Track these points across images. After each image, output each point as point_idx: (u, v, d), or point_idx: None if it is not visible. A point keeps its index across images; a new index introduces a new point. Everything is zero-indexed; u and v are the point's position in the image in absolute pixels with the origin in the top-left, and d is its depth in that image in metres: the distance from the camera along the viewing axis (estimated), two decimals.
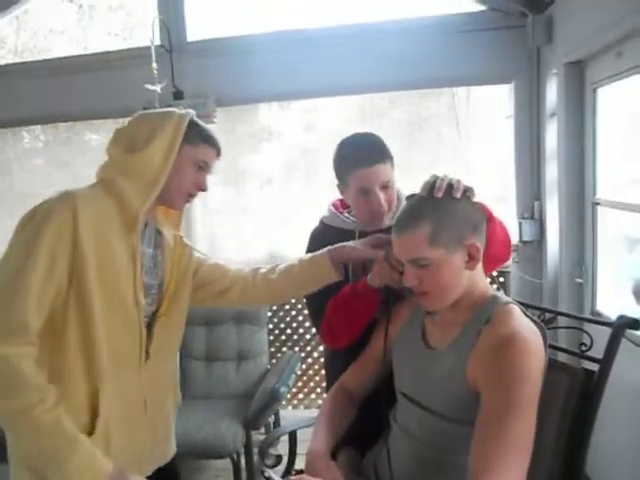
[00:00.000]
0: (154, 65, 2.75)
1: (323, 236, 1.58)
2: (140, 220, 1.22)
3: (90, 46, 3.45)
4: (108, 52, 3.22)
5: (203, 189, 1.33)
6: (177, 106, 2.87)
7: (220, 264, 1.50)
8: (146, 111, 1.32)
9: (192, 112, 1.30)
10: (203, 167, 1.31)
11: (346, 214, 1.61)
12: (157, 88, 2.77)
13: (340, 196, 1.64)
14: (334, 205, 1.65)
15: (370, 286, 1.39)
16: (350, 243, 1.42)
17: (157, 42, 2.88)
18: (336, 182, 1.57)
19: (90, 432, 1.17)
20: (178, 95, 2.96)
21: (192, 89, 2.97)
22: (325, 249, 1.43)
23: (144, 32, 3.19)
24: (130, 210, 1.21)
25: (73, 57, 3.29)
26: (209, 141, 1.30)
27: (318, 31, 2.98)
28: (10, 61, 3.56)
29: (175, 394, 1.45)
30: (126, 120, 3.20)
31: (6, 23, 3.52)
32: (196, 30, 3.13)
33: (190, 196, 1.33)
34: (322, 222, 1.65)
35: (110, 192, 1.21)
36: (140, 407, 1.29)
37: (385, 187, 1.47)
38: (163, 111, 1.30)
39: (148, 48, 2.78)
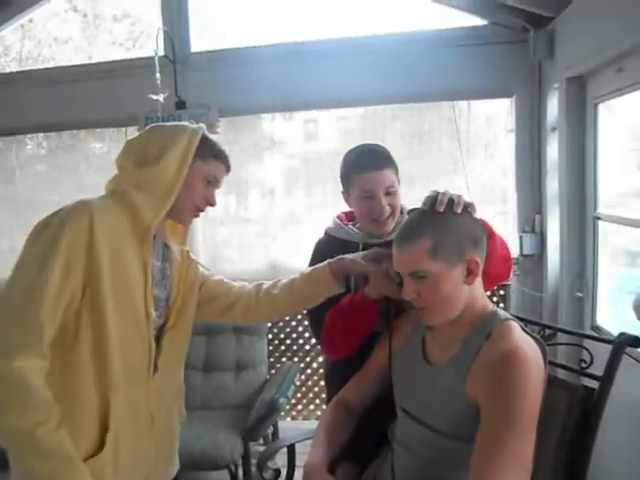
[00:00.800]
0: (157, 75, 2.77)
1: (327, 247, 1.60)
2: (152, 232, 1.23)
3: (94, 55, 3.47)
4: (112, 62, 3.23)
5: (212, 204, 1.33)
6: (180, 116, 2.93)
7: (224, 280, 1.51)
8: (158, 124, 1.34)
9: (203, 127, 1.31)
10: (213, 182, 1.32)
11: (350, 226, 1.63)
12: (160, 98, 2.78)
13: (345, 209, 1.67)
14: (339, 217, 1.68)
15: (368, 297, 1.40)
16: (350, 256, 1.42)
17: (161, 53, 2.90)
18: (341, 189, 1.59)
19: (100, 447, 1.17)
20: (181, 105, 2.98)
21: (195, 99, 2.98)
22: (325, 262, 1.44)
23: (148, 42, 3.23)
24: (142, 222, 1.21)
25: (77, 66, 3.31)
26: (220, 157, 1.31)
27: (320, 43, 3.00)
28: (15, 69, 3.58)
29: (180, 409, 1.44)
30: (129, 129, 3.21)
31: (11, 32, 3.54)
32: (200, 41, 3.15)
33: (199, 210, 1.33)
34: (327, 233, 1.67)
35: (122, 204, 1.21)
36: (147, 421, 1.28)
37: (388, 193, 1.49)
38: (175, 125, 1.32)
39: (152, 58, 2.80)
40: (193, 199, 1.29)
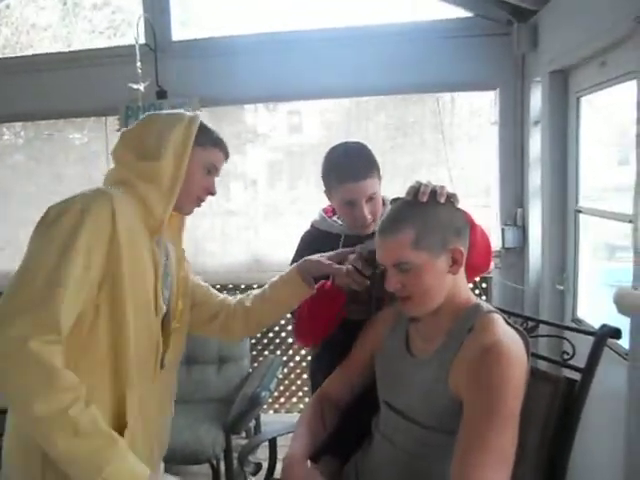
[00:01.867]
0: (138, 64, 2.72)
1: (311, 239, 1.64)
2: (164, 226, 1.21)
3: (74, 43, 3.39)
4: (92, 50, 3.17)
5: (212, 193, 1.31)
6: (161, 105, 2.88)
7: (210, 288, 1.49)
8: (154, 113, 1.31)
9: (199, 114, 1.28)
10: (212, 171, 1.30)
11: (334, 218, 1.64)
12: (141, 87, 2.74)
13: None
14: (324, 210, 1.69)
15: (336, 285, 1.42)
16: (315, 257, 1.43)
17: (142, 41, 2.85)
18: (323, 189, 1.59)
19: None
20: (162, 94, 2.93)
21: (176, 89, 2.94)
22: (294, 264, 1.44)
23: (129, 31, 3.16)
24: (154, 216, 1.19)
25: (56, 54, 3.23)
26: (219, 144, 1.30)
27: (305, 34, 2.97)
28: None
29: (172, 405, 1.43)
30: (109, 119, 3.15)
31: None
32: (181, 30, 3.10)
33: (200, 201, 1.31)
34: (312, 225, 1.68)
35: (134, 195, 1.18)
36: (153, 417, 1.26)
37: (371, 199, 1.49)
38: (172, 113, 1.29)
39: (132, 47, 2.75)
40: (194, 189, 1.27)
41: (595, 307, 2.36)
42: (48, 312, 1.02)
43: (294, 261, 1.62)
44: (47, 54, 3.26)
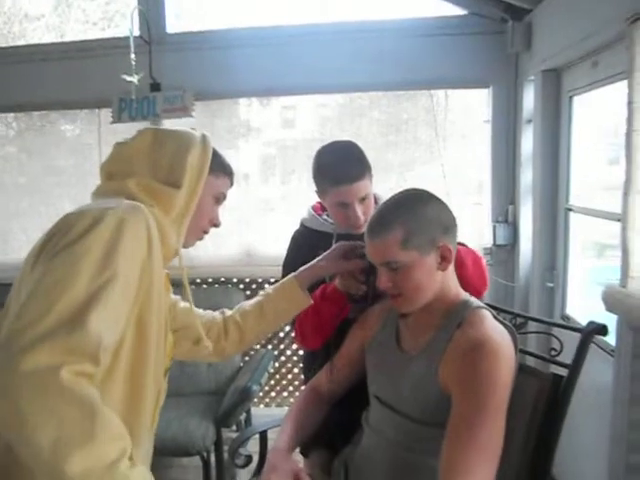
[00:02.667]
0: (132, 56, 2.70)
1: (302, 239, 1.61)
2: (179, 255, 1.11)
3: (67, 34, 3.37)
4: (85, 41, 3.14)
5: (217, 225, 1.22)
6: (154, 98, 2.87)
7: (192, 308, 1.33)
8: (155, 129, 1.18)
9: (208, 135, 1.19)
10: (220, 200, 1.21)
11: (325, 216, 1.63)
12: (134, 79, 2.72)
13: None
14: (314, 208, 1.67)
15: (339, 290, 1.41)
16: (316, 262, 1.39)
17: (136, 33, 2.83)
18: (314, 189, 1.58)
19: None
20: (155, 87, 2.92)
21: (170, 81, 2.92)
22: (291, 275, 1.41)
23: (123, 22, 3.14)
24: (169, 243, 1.07)
25: (49, 44, 3.21)
26: (230, 172, 1.22)
27: (300, 28, 2.96)
28: None
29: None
30: (103, 111, 3.11)
31: None
32: (176, 22, 3.09)
33: (204, 233, 1.21)
34: (302, 224, 1.66)
35: (153, 217, 1.06)
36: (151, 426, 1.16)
37: (363, 200, 1.48)
38: (181, 132, 1.16)
39: (126, 39, 2.73)
40: (202, 219, 1.17)
41: (583, 304, 2.39)
42: (85, 336, 0.83)
43: (286, 260, 1.63)
44: (40, 44, 3.23)
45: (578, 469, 2.06)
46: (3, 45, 3.36)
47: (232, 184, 1.24)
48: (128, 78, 2.69)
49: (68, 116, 3.31)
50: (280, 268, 1.64)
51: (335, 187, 1.46)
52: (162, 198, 1.07)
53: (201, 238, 1.22)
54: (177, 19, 3.11)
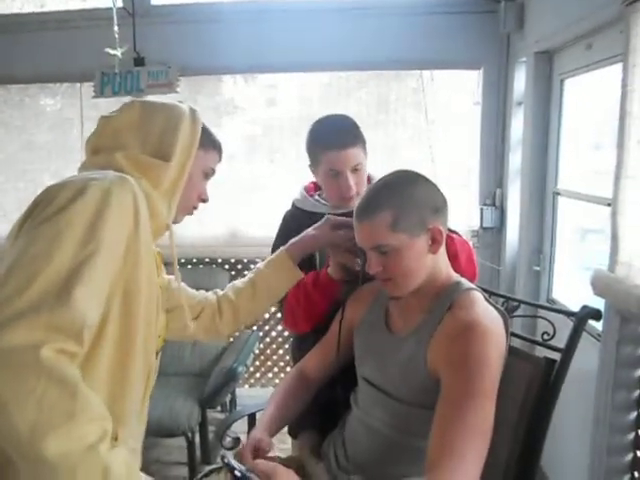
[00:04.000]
0: (115, 28, 2.62)
1: (294, 219, 1.59)
2: (170, 231, 1.10)
3: (47, 4, 3.25)
4: (66, 11, 3.04)
5: (205, 200, 1.21)
6: (138, 73, 2.79)
7: (185, 288, 1.35)
8: (143, 101, 1.15)
9: (197, 109, 1.17)
10: (209, 175, 1.21)
11: (317, 197, 1.61)
12: (118, 53, 2.64)
13: (312, 179, 1.64)
14: (306, 188, 1.65)
15: (331, 277, 1.40)
16: (307, 233, 1.38)
17: (119, 4, 2.74)
18: (308, 162, 1.56)
19: None
20: (139, 61, 2.84)
21: (154, 56, 2.85)
22: (282, 248, 1.40)
23: None
24: (159, 217, 1.05)
25: (28, 14, 3.09)
26: (219, 147, 1.21)
27: (287, 4, 2.90)
28: None
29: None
30: (85, 85, 3.01)
31: None
32: None
33: (194, 209, 1.21)
34: (294, 205, 1.65)
35: (142, 190, 1.03)
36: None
37: (356, 170, 1.47)
38: (169, 105, 1.14)
39: (110, 10, 2.64)
40: (191, 195, 1.16)
41: (568, 289, 2.41)
42: (69, 312, 0.80)
43: (277, 241, 1.60)
44: (18, 14, 3.11)
45: (560, 451, 2.09)
46: None
47: (221, 159, 1.23)
48: (111, 51, 2.61)
49: (48, 90, 3.22)
50: (266, 248, 1.61)
51: (326, 153, 1.46)
52: (151, 171, 1.05)
53: (190, 213, 1.21)
54: None
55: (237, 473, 1.01)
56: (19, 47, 2.98)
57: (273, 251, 1.57)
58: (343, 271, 1.39)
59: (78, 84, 3.08)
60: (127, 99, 3.02)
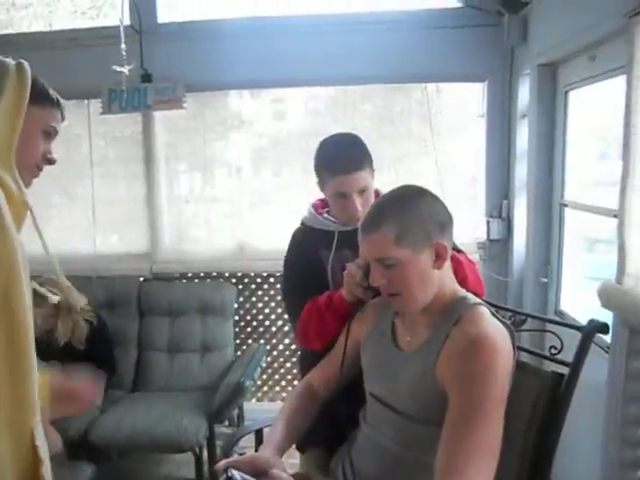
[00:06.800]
0: (123, 46, 2.65)
1: (303, 237, 1.61)
2: (30, 209, 1.00)
3: (55, 23, 3.30)
4: (75, 30, 3.09)
5: (52, 161, 1.11)
6: (145, 89, 2.82)
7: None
8: None
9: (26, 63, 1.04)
10: (52, 134, 1.09)
11: (325, 215, 1.62)
12: (125, 70, 2.68)
13: (319, 195, 1.65)
14: (314, 206, 1.65)
15: (344, 299, 1.40)
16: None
17: (126, 22, 2.78)
18: (316, 180, 1.57)
19: None
20: (146, 78, 2.88)
21: (161, 72, 2.89)
22: None
23: (112, 13, 3.09)
24: (12, 194, 0.95)
25: (37, 33, 3.15)
26: (59, 104, 1.10)
27: (292, 19, 2.93)
28: None
29: None
30: (92, 102, 3.05)
31: None
32: (167, 12, 3.04)
33: (39, 170, 1.10)
34: (303, 223, 1.65)
35: None
36: None
37: (362, 192, 1.48)
38: None
39: (117, 28, 2.68)
40: (32, 155, 1.05)
41: (576, 300, 2.39)
42: None
43: (288, 259, 1.62)
44: (27, 33, 3.17)
45: (570, 465, 2.06)
46: None
47: (63, 118, 1.13)
48: (119, 69, 2.65)
49: None
50: (273, 262, 1.63)
51: (333, 177, 1.47)
52: None
53: (36, 175, 1.10)
54: (168, 9, 3.06)
55: None
56: (29, 64, 3.02)
57: (285, 267, 1.61)
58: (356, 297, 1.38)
59: (86, 101, 3.11)
60: (134, 115, 3.05)
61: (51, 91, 1.09)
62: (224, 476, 1.05)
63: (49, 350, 2.53)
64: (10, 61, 1.01)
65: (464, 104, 3.06)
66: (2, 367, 0.92)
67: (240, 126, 3.24)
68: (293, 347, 3.24)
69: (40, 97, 1.05)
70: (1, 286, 0.90)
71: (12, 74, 0.99)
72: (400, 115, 3.06)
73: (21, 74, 1.00)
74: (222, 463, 1.11)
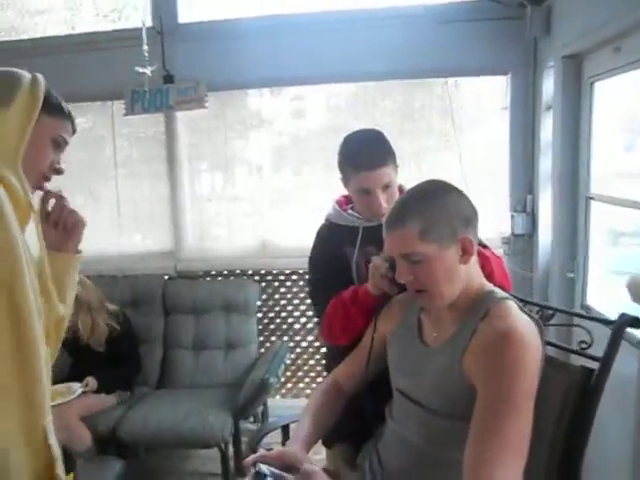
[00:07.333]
0: (145, 47, 2.69)
1: (328, 233, 1.62)
2: (34, 212, 1.02)
3: (78, 27, 3.36)
4: (97, 33, 3.14)
5: (60, 171, 1.12)
6: (167, 90, 2.86)
7: None
8: None
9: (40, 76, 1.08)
10: (61, 145, 1.11)
11: (350, 211, 1.62)
12: (147, 71, 2.71)
13: (340, 192, 1.66)
14: (338, 202, 1.66)
15: (369, 294, 1.40)
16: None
17: (148, 24, 2.82)
18: (339, 176, 1.58)
19: None
20: (169, 79, 2.91)
21: (183, 73, 2.92)
22: None
23: (134, 15, 3.13)
24: (17, 196, 0.97)
25: (60, 37, 3.20)
26: (70, 116, 1.12)
27: (311, 17, 2.93)
28: None
29: None
30: (115, 103, 3.09)
31: None
32: (187, 12, 3.06)
33: (45, 179, 1.11)
34: (327, 220, 1.66)
35: None
36: None
37: (386, 187, 1.48)
38: (8, 69, 1.06)
39: (138, 30, 2.72)
40: (41, 162, 1.06)
41: (601, 294, 2.36)
42: None
43: (313, 256, 1.63)
44: (51, 37, 3.22)
45: (600, 460, 2.03)
46: (16, 39, 3.36)
47: (74, 131, 1.15)
48: (141, 70, 2.68)
49: (80, 109, 3.30)
50: (296, 260, 1.64)
51: (357, 173, 1.47)
52: None
53: (40, 185, 1.11)
54: (188, 9, 3.08)
55: (269, 479, 1.02)
56: (52, 68, 3.05)
57: (310, 264, 1.62)
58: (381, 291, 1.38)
59: (109, 102, 3.16)
60: (157, 116, 3.07)
61: (64, 104, 1.11)
62: (253, 471, 1.07)
63: (76, 349, 2.62)
64: (26, 73, 1.06)
65: (485, 98, 3.02)
66: (12, 368, 0.95)
67: (260, 125, 3.25)
68: (316, 344, 3.26)
69: (52, 108, 1.07)
70: (5, 283, 0.92)
71: (26, 85, 1.03)
72: (421, 110, 3.04)
73: (35, 85, 1.04)
74: (250, 458, 1.12)
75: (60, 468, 1.03)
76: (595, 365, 1.14)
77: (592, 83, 2.28)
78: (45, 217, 1.15)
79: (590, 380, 1.12)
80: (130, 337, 2.80)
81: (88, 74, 3.01)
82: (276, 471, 1.05)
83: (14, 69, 1.05)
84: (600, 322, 1.19)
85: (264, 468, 1.06)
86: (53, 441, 1.02)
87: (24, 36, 3.38)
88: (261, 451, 1.21)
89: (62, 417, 2.17)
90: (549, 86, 2.59)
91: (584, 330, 1.23)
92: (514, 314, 1.16)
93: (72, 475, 1.15)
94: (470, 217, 1.20)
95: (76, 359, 2.70)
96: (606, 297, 2.28)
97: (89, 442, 2.38)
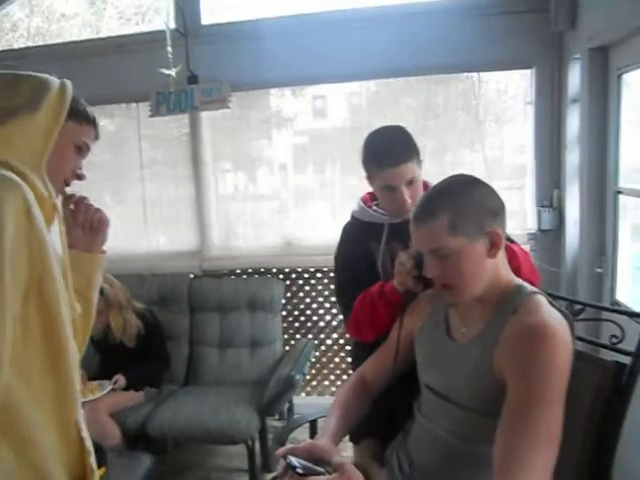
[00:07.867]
0: (169, 49, 2.72)
1: (354, 230, 1.63)
2: (58, 212, 1.04)
3: (102, 30, 3.42)
4: (121, 36, 3.19)
5: (81, 177, 1.13)
6: (192, 90, 2.89)
7: None
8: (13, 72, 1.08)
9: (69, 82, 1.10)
10: (84, 150, 1.13)
11: (375, 207, 1.63)
12: (172, 72, 2.74)
13: (363, 190, 1.67)
14: (363, 199, 1.67)
15: (396, 290, 1.40)
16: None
17: (172, 26, 2.85)
18: (364, 174, 1.58)
19: None
20: (193, 79, 2.94)
21: (206, 73, 2.94)
22: None
23: (156, 18, 3.18)
24: (44, 200, 0.99)
25: (86, 41, 3.27)
26: (94, 122, 1.14)
27: (332, 15, 2.93)
28: (23, 45, 3.53)
29: None
30: (141, 105, 3.14)
31: (18, 7, 3.49)
32: (210, 14, 3.09)
33: (66, 184, 1.12)
34: (353, 217, 1.67)
35: (19, 175, 0.97)
36: None
37: (410, 183, 1.48)
38: (39, 75, 1.07)
39: (162, 32, 2.75)
40: (63, 166, 1.08)
41: (632, 290, 2.31)
42: None
43: (339, 253, 1.64)
44: (77, 42, 3.29)
45: (632, 457, 2.00)
46: (42, 44, 3.44)
47: (97, 137, 1.16)
48: (166, 71, 2.72)
49: (106, 111, 3.36)
50: (320, 257, 1.65)
51: (381, 170, 1.47)
52: (11, 139, 0.98)
53: (61, 191, 1.12)
54: (211, 11, 3.11)
55: (299, 471, 1.03)
56: (78, 72, 3.11)
57: (336, 262, 1.63)
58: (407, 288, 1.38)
59: (134, 104, 3.20)
60: (182, 117, 3.10)
61: (89, 110, 1.13)
62: (283, 462, 1.08)
63: (105, 347, 2.67)
64: (55, 79, 1.08)
65: (509, 92, 2.99)
66: (43, 362, 0.97)
67: (282, 124, 3.27)
68: (341, 342, 3.26)
69: (78, 113, 1.09)
70: (35, 281, 0.94)
71: (54, 90, 1.05)
72: (444, 107, 3.02)
73: (63, 91, 1.06)
74: (282, 450, 1.14)
75: (93, 460, 1.07)
76: (627, 360, 1.12)
77: (620, 75, 2.24)
78: (69, 219, 1.18)
79: (623, 375, 1.11)
80: (159, 335, 2.84)
81: (114, 77, 3.06)
82: (306, 463, 1.06)
83: (44, 75, 1.07)
84: (633, 316, 1.17)
85: (294, 460, 1.07)
86: (85, 434, 1.05)
87: (51, 41, 3.45)
88: (291, 444, 1.22)
89: (92, 413, 2.23)
90: (575, 79, 2.55)
91: (615, 325, 1.22)
92: (545, 308, 1.15)
93: (103, 469, 1.17)
94: (498, 210, 1.19)
95: (105, 357, 2.75)
96: (634, 293, 2.24)
97: (118, 437, 2.42)
